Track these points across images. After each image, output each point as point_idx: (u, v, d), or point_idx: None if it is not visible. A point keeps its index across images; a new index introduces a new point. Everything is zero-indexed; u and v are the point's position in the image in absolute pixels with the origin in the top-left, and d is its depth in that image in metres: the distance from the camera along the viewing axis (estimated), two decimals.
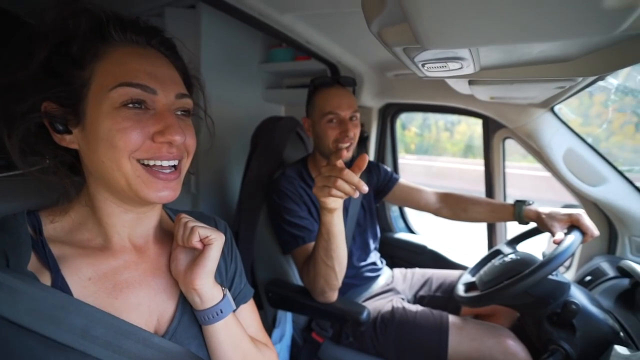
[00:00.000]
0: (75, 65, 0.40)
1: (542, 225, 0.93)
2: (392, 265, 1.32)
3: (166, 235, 0.53)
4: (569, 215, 0.88)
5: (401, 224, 1.71)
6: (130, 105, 0.40)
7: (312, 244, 0.94)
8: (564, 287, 0.82)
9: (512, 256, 0.92)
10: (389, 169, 1.28)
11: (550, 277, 0.80)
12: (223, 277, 0.57)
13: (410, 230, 1.70)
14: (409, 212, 1.72)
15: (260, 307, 1.17)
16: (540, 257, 0.88)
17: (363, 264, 1.13)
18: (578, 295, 0.82)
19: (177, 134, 0.41)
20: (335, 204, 0.71)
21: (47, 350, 0.35)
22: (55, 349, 0.36)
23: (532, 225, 0.99)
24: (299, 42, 1.09)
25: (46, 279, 0.38)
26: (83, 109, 0.40)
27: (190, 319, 0.49)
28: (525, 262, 0.85)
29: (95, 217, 0.45)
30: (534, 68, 0.55)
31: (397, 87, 1.42)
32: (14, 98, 0.40)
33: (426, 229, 1.68)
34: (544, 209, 0.94)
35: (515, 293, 0.79)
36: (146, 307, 0.45)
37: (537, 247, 1.02)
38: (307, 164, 1.10)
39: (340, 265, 0.83)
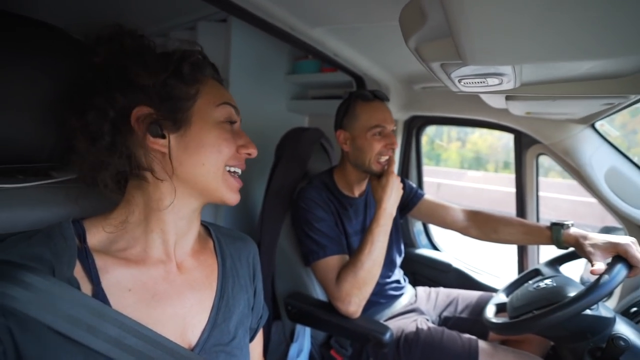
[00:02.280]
0: (184, 82, 0.47)
1: (581, 251, 0.85)
2: (414, 282, 1.28)
3: (202, 249, 0.54)
4: (615, 244, 0.78)
5: (424, 240, 1.66)
6: (228, 122, 0.50)
7: (338, 257, 0.93)
8: (606, 321, 0.75)
9: (548, 282, 0.86)
10: (414, 184, 1.25)
11: (588, 311, 0.73)
12: (250, 294, 0.58)
13: (434, 247, 1.64)
14: (432, 227, 1.66)
15: (278, 317, 1.16)
16: (580, 285, 0.81)
17: (387, 280, 1.09)
18: (625, 329, 0.75)
19: (254, 148, 0.52)
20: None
21: (87, 359, 0.36)
22: (94, 358, 0.36)
23: (572, 249, 0.92)
24: (326, 55, 1.09)
25: (87, 289, 0.39)
26: (187, 119, 0.47)
27: (221, 332, 0.49)
28: (560, 293, 0.78)
29: (147, 223, 0.46)
30: (580, 84, 0.52)
31: (424, 99, 1.40)
32: (132, 103, 0.44)
33: (450, 245, 1.62)
34: (584, 234, 0.86)
35: (546, 326, 0.73)
36: (181, 319, 0.46)
37: (579, 268, 0.95)
38: (333, 177, 1.09)
39: None
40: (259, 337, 0.65)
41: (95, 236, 0.44)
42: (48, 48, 0.48)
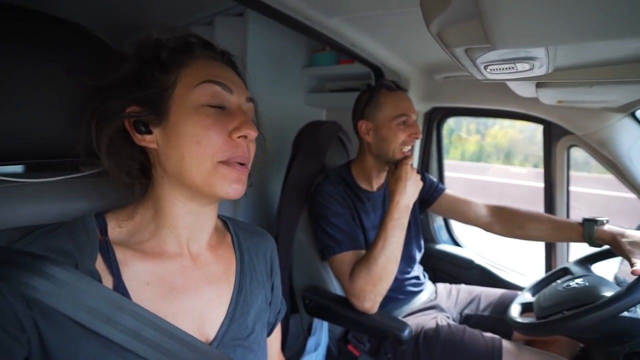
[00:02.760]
0: (162, 70, 0.44)
1: (619, 250, 0.79)
2: (434, 279, 1.24)
3: (220, 243, 0.54)
4: None
5: (445, 235, 1.61)
6: (210, 105, 0.44)
7: (353, 252, 0.91)
8: None
9: (580, 281, 0.80)
10: (435, 179, 1.21)
11: (625, 313, 0.68)
12: (267, 288, 0.58)
13: (456, 243, 1.59)
14: (454, 223, 1.61)
15: (296, 310, 1.16)
16: (614, 285, 0.76)
17: (406, 276, 1.07)
18: None
19: (251, 128, 0.45)
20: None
21: (107, 350, 0.37)
22: (113, 350, 0.37)
23: (607, 246, 0.86)
24: (344, 46, 1.07)
25: (108, 282, 0.40)
26: (166, 109, 0.44)
27: (239, 326, 0.49)
28: (593, 293, 0.73)
29: (158, 218, 0.46)
30: (622, 67, 0.47)
31: (446, 90, 1.34)
32: (105, 100, 0.44)
33: (472, 241, 1.57)
34: (621, 231, 0.80)
35: (578, 328, 0.69)
36: (199, 312, 0.46)
37: (610, 267, 0.89)
38: (350, 170, 1.08)
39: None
40: (277, 332, 0.65)
41: (116, 229, 0.45)
42: (71, 45, 0.49)
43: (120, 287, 0.40)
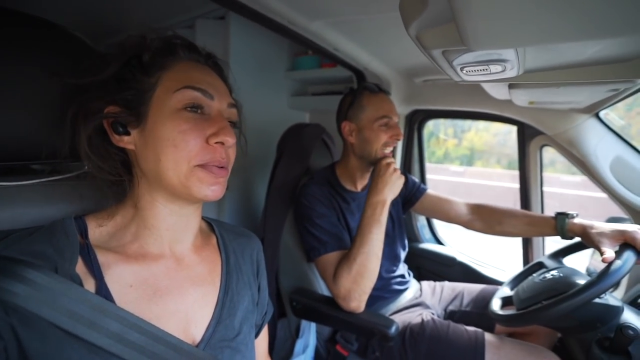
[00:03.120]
0: (144, 72, 0.44)
1: (589, 241, 0.84)
2: (419, 277, 1.27)
3: (205, 244, 0.54)
4: (623, 232, 0.77)
5: (428, 234, 1.65)
6: (189, 109, 0.44)
7: (338, 253, 0.92)
8: (614, 310, 0.74)
9: (555, 273, 0.85)
10: (417, 179, 1.24)
11: (597, 300, 0.73)
12: (254, 290, 0.58)
13: (438, 241, 1.63)
14: (436, 222, 1.65)
15: (283, 314, 1.16)
16: (586, 276, 0.80)
17: (392, 275, 1.09)
18: (634, 319, 0.74)
19: (229, 135, 0.44)
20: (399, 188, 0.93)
21: (91, 354, 0.36)
22: (97, 354, 0.36)
23: (578, 239, 0.92)
24: (326, 49, 1.08)
25: (90, 285, 0.39)
26: (145, 112, 0.44)
27: (225, 327, 0.49)
28: (568, 282, 0.78)
29: (140, 219, 0.46)
30: (585, 69, 0.51)
31: (426, 93, 1.39)
32: (84, 100, 0.44)
33: (453, 239, 1.61)
34: (590, 223, 0.86)
35: (556, 315, 0.73)
36: (184, 314, 0.45)
37: (581, 261, 0.94)
38: (335, 171, 1.09)
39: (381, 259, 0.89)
40: (264, 334, 0.65)
41: (96, 231, 0.44)
42: (49, 46, 0.48)
43: (102, 289, 0.39)
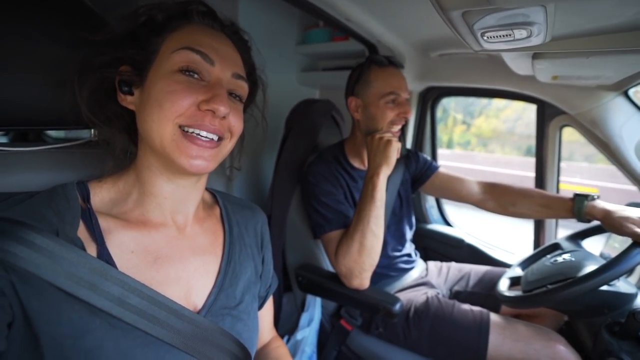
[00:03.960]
0: (154, 33, 0.43)
1: (610, 225, 0.79)
2: (425, 257, 1.26)
3: (207, 216, 0.53)
4: None
5: (436, 214, 1.63)
6: (186, 72, 0.42)
7: (343, 231, 0.92)
8: (626, 297, 0.72)
9: (567, 256, 0.82)
10: (428, 157, 1.21)
11: (605, 287, 0.70)
12: (257, 261, 0.57)
13: (447, 222, 1.61)
14: (445, 202, 1.63)
15: (289, 289, 1.18)
16: (601, 261, 0.78)
17: (397, 254, 1.08)
18: None
19: (222, 104, 0.42)
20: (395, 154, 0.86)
21: (91, 315, 0.36)
22: (98, 315, 0.37)
23: (595, 222, 0.88)
24: (338, 20, 1.03)
25: (92, 250, 0.39)
26: (147, 72, 0.43)
27: (227, 296, 0.49)
28: (577, 267, 0.75)
29: (140, 186, 0.45)
30: (619, 36, 0.46)
31: (441, 68, 1.32)
32: (97, 53, 0.43)
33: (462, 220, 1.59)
34: (614, 207, 0.80)
35: (560, 300, 0.71)
36: (185, 282, 0.46)
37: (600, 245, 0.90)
38: (343, 149, 1.07)
39: (382, 236, 0.86)
40: (269, 306, 0.66)
41: (98, 197, 0.43)
42: (57, 12, 0.47)
43: (104, 254, 0.39)
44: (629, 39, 0.46)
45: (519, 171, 4.81)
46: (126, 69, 0.43)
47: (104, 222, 0.41)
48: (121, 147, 0.48)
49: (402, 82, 0.97)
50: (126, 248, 0.42)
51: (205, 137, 0.42)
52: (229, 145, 0.47)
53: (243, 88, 0.48)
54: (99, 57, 0.43)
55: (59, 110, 0.45)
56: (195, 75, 0.42)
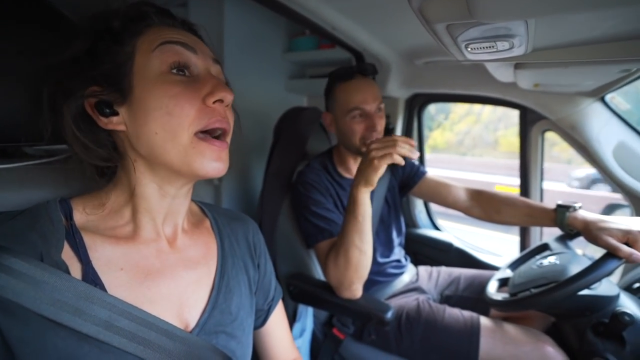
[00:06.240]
0: (117, 42, 0.40)
1: (589, 237, 0.79)
2: (415, 262, 1.27)
3: (197, 227, 0.52)
4: (627, 232, 0.72)
5: (425, 219, 1.65)
6: (175, 71, 0.40)
7: (334, 240, 0.91)
8: (607, 299, 0.73)
9: (553, 259, 0.84)
10: (416, 162, 1.22)
11: (585, 292, 0.71)
12: (251, 274, 0.56)
13: (435, 227, 1.63)
14: (434, 207, 1.65)
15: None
16: (587, 263, 0.80)
17: (386, 260, 1.09)
18: (630, 305, 0.74)
19: (225, 91, 0.41)
20: (378, 176, 0.76)
21: (79, 341, 0.35)
22: (86, 341, 0.35)
23: None
24: (324, 29, 1.04)
25: (77, 270, 0.37)
26: (129, 84, 0.40)
27: (222, 312, 0.48)
28: (560, 272, 0.77)
29: (133, 204, 0.44)
30: (596, 47, 0.48)
31: (427, 75, 1.35)
32: (61, 79, 0.40)
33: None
34: (593, 218, 0.80)
35: (542, 304, 0.73)
36: (177, 298, 0.44)
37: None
38: (332, 157, 1.07)
39: (371, 250, 0.83)
40: (281, 320, 0.63)
41: (82, 214, 0.42)
42: (32, 24, 0.45)
43: (89, 273, 0.37)
44: (604, 50, 0.48)
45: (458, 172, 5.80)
46: (96, 88, 0.40)
47: (89, 240, 0.39)
48: (102, 166, 0.45)
49: (368, 94, 0.92)
50: (115, 266, 0.40)
51: (218, 134, 0.42)
52: (228, 141, 0.45)
53: (221, 72, 0.47)
54: (69, 82, 0.40)
55: (39, 125, 0.43)
56: (186, 72, 0.41)
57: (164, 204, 0.45)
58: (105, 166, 0.45)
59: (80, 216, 0.41)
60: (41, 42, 0.44)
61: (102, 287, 0.38)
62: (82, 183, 0.48)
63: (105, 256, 0.40)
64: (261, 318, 0.60)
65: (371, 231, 0.81)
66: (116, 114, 0.40)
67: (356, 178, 0.80)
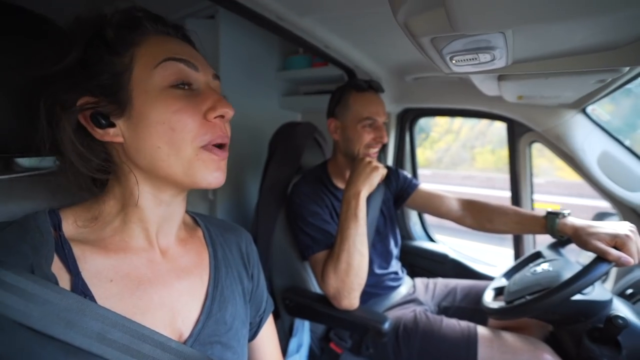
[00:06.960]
0: (112, 52, 0.39)
1: (579, 242, 0.81)
2: (412, 274, 1.27)
3: (189, 237, 0.52)
4: (615, 236, 0.73)
5: (420, 231, 1.66)
6: (178, 86, 0.40)
7: (329, 251, 0.91)
8: (600, 304, 0.74)
9: (545, 266, 0.85)
10: (409, 174, 1.24)
11: (578, 297, 0.72)
12: (245, 284, 0.56)
13: (430, 239, 1.64)
14: (427, 219, 1.66)
15: (277, 315, 1.14)
16: (578, 268, 0.81)
17: (384, 272, 1.09)
18: (623, 309, 0.75)
19: (227, 106, 0.42)
20: (379, 176, 0.88)
21: (67, 356, 0.34)
22: (76, 355, 0.34)
23: None
24: (317, 47, 1.08)
25: (66, 281, 0.37)
26: (128, 96, 0.39)
27: (216, 322, 0.47)
28: (554, 278, 0.78)
29: (125, 214, 0.43)
30: (572, 59, 0.52)
31: (417, 91, 1.40)
32: (56, 91, 0.39)
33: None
34: (582, 224, 0.82)
35: (537, 311, 0.73)
36: (169, 308, 0.43)
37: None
38: (327, 169, 1.08)
39: (368, 254, 0.86)
40: (271, 334, 0.62)
41: (72, 226, 0.41)
42: (23, 34, 0.45)
43: (79, 284, 0.37)
44: (580, 61, 0.51)
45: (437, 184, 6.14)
46: (91, 99, 0.39)
47: (78, 250, 0.39)
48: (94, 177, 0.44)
49: (380, 107, 1.00)
50: (104, 277, 0.39)
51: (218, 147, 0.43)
52: (227, 154, 0.46)
53: (219, 87, 0.47)
54: (64, 94, 0.39)
55: (27, 136, 0.41)
56: (187, 87, 0.41)
57: (159, 212, 0.45)
58: (98, 176, 0.44)
59: (69, 227, 0.41)
60: (28, 51, 0.43)
61: (91, 299, 0.37)
62: (71, 194, 0.47)
63: (95, 267, 0.39)
64: (252, 331, 0.59)
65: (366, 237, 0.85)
66: (113, 125, 0.40)
67: (354, 181, 0.86)
